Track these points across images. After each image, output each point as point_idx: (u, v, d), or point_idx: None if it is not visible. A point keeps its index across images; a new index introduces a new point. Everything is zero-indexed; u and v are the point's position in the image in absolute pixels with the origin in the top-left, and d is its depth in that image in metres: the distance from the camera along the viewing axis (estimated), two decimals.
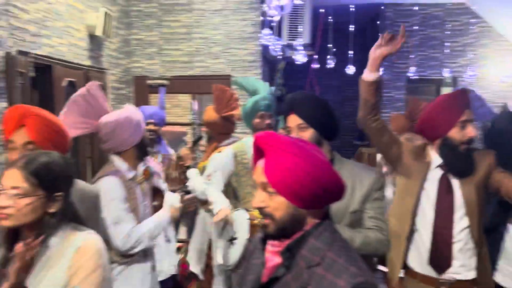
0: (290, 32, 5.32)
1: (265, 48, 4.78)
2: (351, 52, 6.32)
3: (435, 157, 2.08)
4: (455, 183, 2.04)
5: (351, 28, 6.12)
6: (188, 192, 2.86)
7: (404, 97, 6.89)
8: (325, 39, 6.27)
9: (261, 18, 4.68)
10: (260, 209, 1.15)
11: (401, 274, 2.15)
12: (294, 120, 1.77)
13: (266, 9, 2.18)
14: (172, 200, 2.27)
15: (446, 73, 6.74)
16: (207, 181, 2.61)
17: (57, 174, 1.38)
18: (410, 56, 6.76)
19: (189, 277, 3.19)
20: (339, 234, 1.17)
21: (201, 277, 3.02)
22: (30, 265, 1.35)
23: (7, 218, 1.32)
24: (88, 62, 3.71)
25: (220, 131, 3.05)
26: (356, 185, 1.77)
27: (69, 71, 3.35)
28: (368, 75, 1.90)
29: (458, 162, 2.02)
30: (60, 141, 1.68)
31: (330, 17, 5.09)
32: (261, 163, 1.15)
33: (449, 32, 6.75)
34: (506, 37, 6.60)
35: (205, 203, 2.71)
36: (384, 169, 3.17)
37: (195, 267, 3.04)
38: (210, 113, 3.05)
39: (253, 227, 2.23)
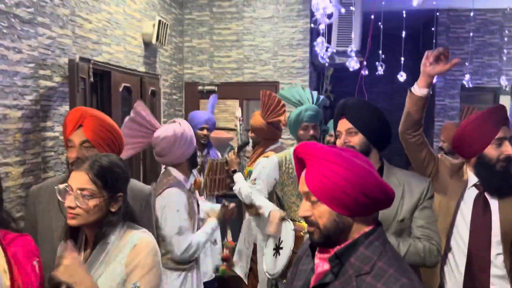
0: (339, 39, 5.29)
1: (313, 54, 4.79)
2: (402, 58, 6.18)
3: (471, 176, 1.98)
4: (494, 203, 1.92)
5: (403, 34, 5.98)
6: (232, 196, 2.93)
7: (459, 105, 6.65)
8: (375, 45, 6.18)
9: (310, 25, 4.70)
10: (306, 218, 1.18)
11: None
12: (344, 125, 1.78)
13: (315, 17, 2.21)
14: (210, 208, 2.40)
15: (504, 81, 6.43)
16: (252, 185, 2.65)
17: (118, 175, 1.47)
18: (465, 63, 6.51)
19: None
20: (390, 244, 1.17)
21: (245, 281, 3.07)
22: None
23: (75, 218, 1.41)
24: (143, 68, 3.89)
25: (266, 137, 3.09)
26: (405, 194, 1.75)
27: (126, 77, 3.54)
28: (418, 89, 1.85)
29: (494, 181, 1.90)
30: (113, 141, 1.77)
31: (380, 23, 5.01)
32: (303, 173, 1.19)
33: (507, 39, 6.44)
34: None
35: (250, 207, 2.76)
36: None
37: (239, 270, 3.08)
38: (257, 119, 3.11)
39: (298, 238, 2.22)
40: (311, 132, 2.61)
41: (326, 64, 5.02)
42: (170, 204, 2.14)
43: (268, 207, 2.41)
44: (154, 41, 3.85)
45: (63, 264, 1.34)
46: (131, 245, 1.44)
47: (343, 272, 1.12)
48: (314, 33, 4.67)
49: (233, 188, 2.91)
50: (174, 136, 2.17)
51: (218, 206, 2.45)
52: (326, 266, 1.17)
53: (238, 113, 3.97)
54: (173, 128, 2.19)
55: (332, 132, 3.26)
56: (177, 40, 4.80)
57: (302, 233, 2.24)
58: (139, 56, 3.82)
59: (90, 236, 1.46)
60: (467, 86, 5.66)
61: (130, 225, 1.51)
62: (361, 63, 4.81)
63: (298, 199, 2.46)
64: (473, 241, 1.90)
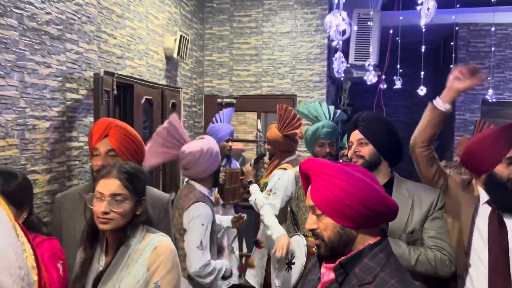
0: (357, 53, 5.35)
1: (331, 68, 4.85)
2: (422, 72, 6.18)
3: (482, 192, 1.93)
4: (508, 222, 1.84)
5: (423, 48, 5.99)
6: (248, 208, 2.99)
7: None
8: (393, 58, 6.20)
9: (328, 40, 4.76)
10: (312, 231, 1.24)
11: None
12: (355, 135, 1.84)
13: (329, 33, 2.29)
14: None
15: None
16: (268, 196, 2.69)
17: (142, 180, 1.57)
18: (487, 77, 6.46)
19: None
20: (395, 256, 1.20)
21: None
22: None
23: (108, 223, 1.48)
24: (164, 82, 4.02)
25: (283, 149, 3.14)
26: (415, 204, 1.77)
27: (147, 90, 3.66)
28: (442, 104, 1.85)
29: (506, 200, 1.84)
30: (136, 150, 1.87)
31: (398, 38, 5.05)
32: (309, 188, 1.25)
33: None
34: None
35: None
36: None
37: (253, 281, 3.11)
38: (273, 131, 3.17)
39: (310, 254, 2.21)
40: (328, 150, 2.64)
41: (342, 78, 5.07)
42: (197, 218, 2.21)
43: (276, 231, 2.37)
44: (175, 55, 3.98)
45: None
46: (152, 247, 1.51)
47: (347, 282, 1.17)
48: (331, 48, 4.73)
49: (249, 199, 2.96)
50: (200, 151, 2.28)
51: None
52: (331, 276, 1.21)
53: (259, 125, 4.05)
54: (200, 144, 2.31)
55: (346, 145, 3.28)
56: (198, 54, 4.94)
57: (314, 249, 2.24)
58: (160, 70, 3.96)
59: (114, 240, 1.53)
60: (490, 101, 5.60)
61: (148, 229, 1.58)
62: (379, 77, 4.85)
63: None
64: (493, 260, 1.83)
